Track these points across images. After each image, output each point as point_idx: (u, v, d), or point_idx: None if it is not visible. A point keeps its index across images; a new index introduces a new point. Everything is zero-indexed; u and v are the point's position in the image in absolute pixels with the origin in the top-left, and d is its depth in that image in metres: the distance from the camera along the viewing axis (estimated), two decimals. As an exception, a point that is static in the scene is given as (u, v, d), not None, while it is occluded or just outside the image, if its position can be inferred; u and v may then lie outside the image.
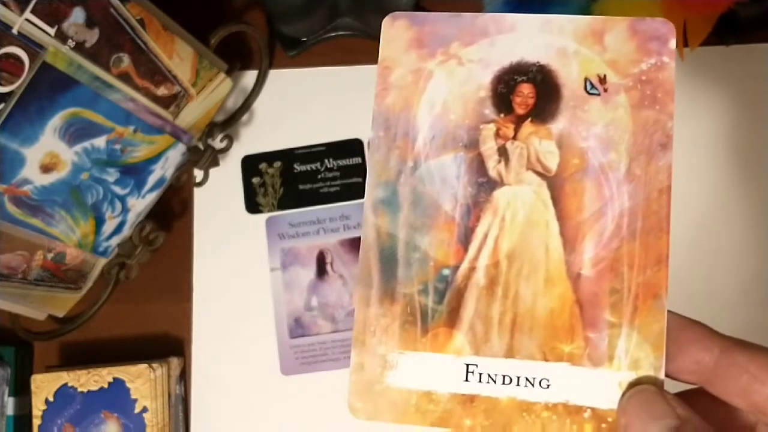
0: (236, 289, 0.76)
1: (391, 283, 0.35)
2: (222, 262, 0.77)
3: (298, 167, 0.77)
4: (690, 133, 0.74)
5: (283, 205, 0.77)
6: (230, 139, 0.77)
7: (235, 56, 0.76)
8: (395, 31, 0.37)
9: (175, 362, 0.73)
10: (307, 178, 0.77)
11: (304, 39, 0.78)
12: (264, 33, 0.78)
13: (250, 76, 0.79)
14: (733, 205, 0.73)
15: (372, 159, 0.36)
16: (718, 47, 0.75)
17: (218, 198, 0.78)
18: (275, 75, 0.79)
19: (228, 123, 0.77)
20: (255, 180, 0.77)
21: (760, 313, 0.71)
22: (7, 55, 0.55)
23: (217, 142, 0.77)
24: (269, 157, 0.78)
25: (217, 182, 0.78)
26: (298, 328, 0.74)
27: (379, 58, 0.37)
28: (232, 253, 0.77)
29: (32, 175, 0.61)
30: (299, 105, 0.79)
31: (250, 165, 0.78)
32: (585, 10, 0.67)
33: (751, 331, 0.71)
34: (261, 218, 0.77)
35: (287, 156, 0.78)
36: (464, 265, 0.34)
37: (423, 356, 0.34)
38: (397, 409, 0.34)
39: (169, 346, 0.76)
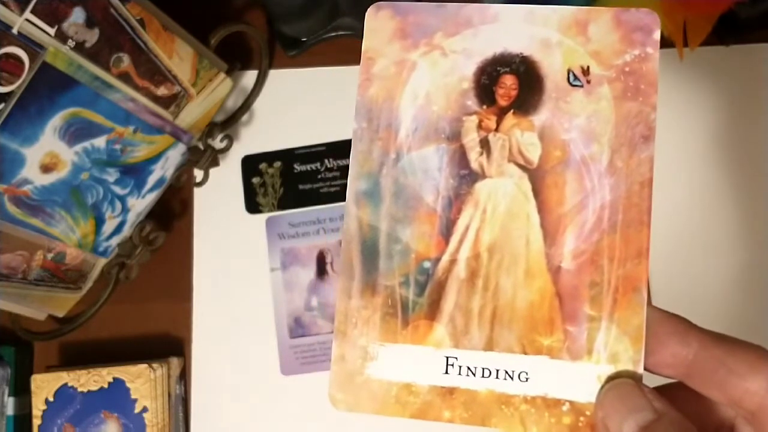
0: (236, 289, 0.76)
1: (373, 275, 0.34)
2: (222, 262, 0.77)
3: (298, 167, 0.77)
4: (689, 132, 0.74)
5: (283, 205, 0.77)
6: (230, 139, 0.77)
7: (235, 56, 0.76)
8: (379, 22, 0.37)
9: (175, 362, 0.73)
10: (307, 178, 0.77)
11: (304, 39, 0.79)
12: (264, 33, 0.78)
13: (250, 76, 0.79)
14: (731, 204, 0.73)
15: (355, 150, 0.36)
16: (718, 47, 0.75)
17: (218, 198, 0.78)
18: (275, 75, 0.80)
19: (228, 123, 0.77)
20: (255, 180, 0.77)
21: (750, 308, 0.71)
22: (7, 55, 0.55)
23: (217, 142, 0.77)
24: (269, 157, 0.78)
25: (217, 182, 0.78)
26: (298, 328, 0.74)
27: (363, 49, 0.37)
28: (232, 253, 0.77)
29: (32, 175, 0.61)
30: (299, 105, 0.79)
31: (250, 165, 0.78)
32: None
33: (744, 328, 0.71)
34: (261, 218, 0.77)
35: (287, 156, 0.78)
36: (445, 258, 0.34)
37: (403, 348, 0.34)
38: (377, 400, 0.34)
39: (169, 346, 0.76)
